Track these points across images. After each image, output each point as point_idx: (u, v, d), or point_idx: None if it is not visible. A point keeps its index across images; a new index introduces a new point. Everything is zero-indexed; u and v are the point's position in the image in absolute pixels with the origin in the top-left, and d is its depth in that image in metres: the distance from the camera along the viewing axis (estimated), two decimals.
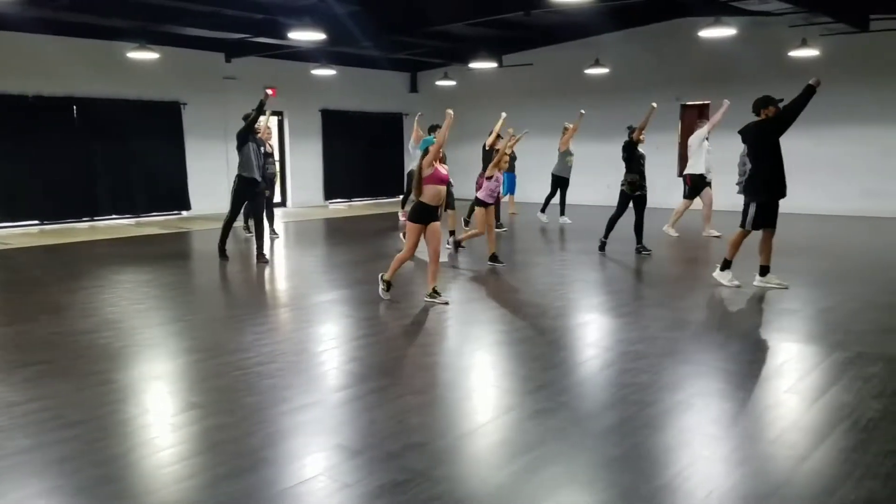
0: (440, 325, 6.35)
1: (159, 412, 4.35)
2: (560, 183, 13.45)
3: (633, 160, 9.51)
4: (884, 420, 3.98)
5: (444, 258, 8.54)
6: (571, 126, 13.36)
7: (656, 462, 3.56)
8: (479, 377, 5.06)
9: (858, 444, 3.68)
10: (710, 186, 11.39)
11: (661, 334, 5.81)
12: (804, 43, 13.02)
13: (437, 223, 6.90)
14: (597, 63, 15.16)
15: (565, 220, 13.43)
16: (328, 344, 5.91)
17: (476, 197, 9.27)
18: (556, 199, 13.66)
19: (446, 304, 6.83)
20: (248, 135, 9.38)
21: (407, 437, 3.78)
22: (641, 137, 9.54)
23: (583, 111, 13.39)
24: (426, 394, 4.63)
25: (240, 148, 9.38)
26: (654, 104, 9.65)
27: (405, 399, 4.43)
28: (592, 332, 6.29)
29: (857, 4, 12.49)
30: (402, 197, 14.52)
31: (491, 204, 9.18)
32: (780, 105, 7.09)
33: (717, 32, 11.79)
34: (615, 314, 6.71)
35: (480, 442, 3.85)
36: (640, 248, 9.73)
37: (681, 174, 15.51)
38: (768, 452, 3.60)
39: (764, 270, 7.49)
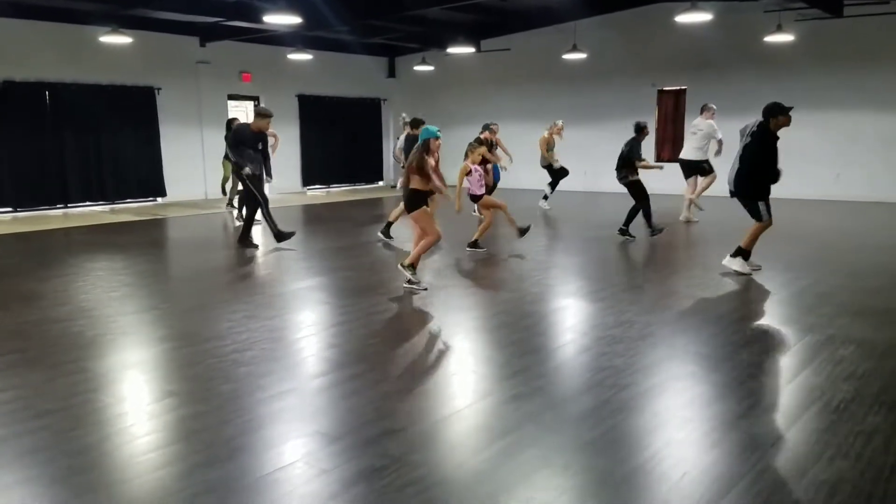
0: (418, 311, 6.35)
1: (134, 401, 4.33)
2: (553, 173, 13.44)
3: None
4: (854, 402, 4.05)
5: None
6: (550, 132, 13.29)
7: (631, 445, 3.60)
8: (456, 363, 5.07)
9: (829, 426, 3.75)
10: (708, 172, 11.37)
11: (636, 318, 5.86)
12: (779, 28, 13.12)
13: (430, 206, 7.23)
14: (574, 48, 15.15)
15: (544, 205, 13.46)
16: (306, 331, 5.90)
17: (469, 194, 9.24)
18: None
19: (424, 290, 6.86)
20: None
21: (384, 423, 3.79)
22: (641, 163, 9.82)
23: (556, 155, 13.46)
24: (404, 380, 4.64)
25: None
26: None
27: (383, 385, 4.43)
28: (569, 317, 6.33)
29: None
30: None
31: (482, 195, 9.20)
32: (790, 113, 7.15)
33: (693, 18, 11.84)
34: (592, 299, 6.75)
35: (457, 427, 3.87)
36: (626, 232, 9.92)
37: (658, 159, 15.65)
38: (741, 434, 3.65)
39: (739, 252, 7.53)
